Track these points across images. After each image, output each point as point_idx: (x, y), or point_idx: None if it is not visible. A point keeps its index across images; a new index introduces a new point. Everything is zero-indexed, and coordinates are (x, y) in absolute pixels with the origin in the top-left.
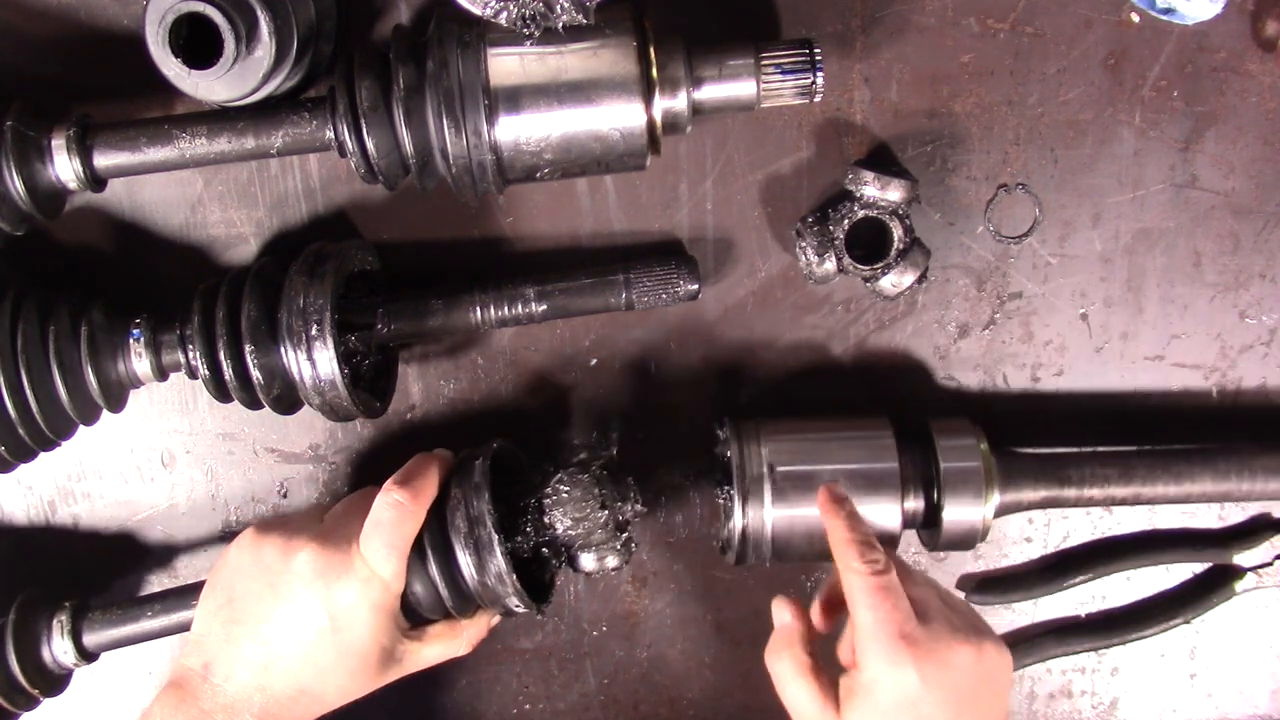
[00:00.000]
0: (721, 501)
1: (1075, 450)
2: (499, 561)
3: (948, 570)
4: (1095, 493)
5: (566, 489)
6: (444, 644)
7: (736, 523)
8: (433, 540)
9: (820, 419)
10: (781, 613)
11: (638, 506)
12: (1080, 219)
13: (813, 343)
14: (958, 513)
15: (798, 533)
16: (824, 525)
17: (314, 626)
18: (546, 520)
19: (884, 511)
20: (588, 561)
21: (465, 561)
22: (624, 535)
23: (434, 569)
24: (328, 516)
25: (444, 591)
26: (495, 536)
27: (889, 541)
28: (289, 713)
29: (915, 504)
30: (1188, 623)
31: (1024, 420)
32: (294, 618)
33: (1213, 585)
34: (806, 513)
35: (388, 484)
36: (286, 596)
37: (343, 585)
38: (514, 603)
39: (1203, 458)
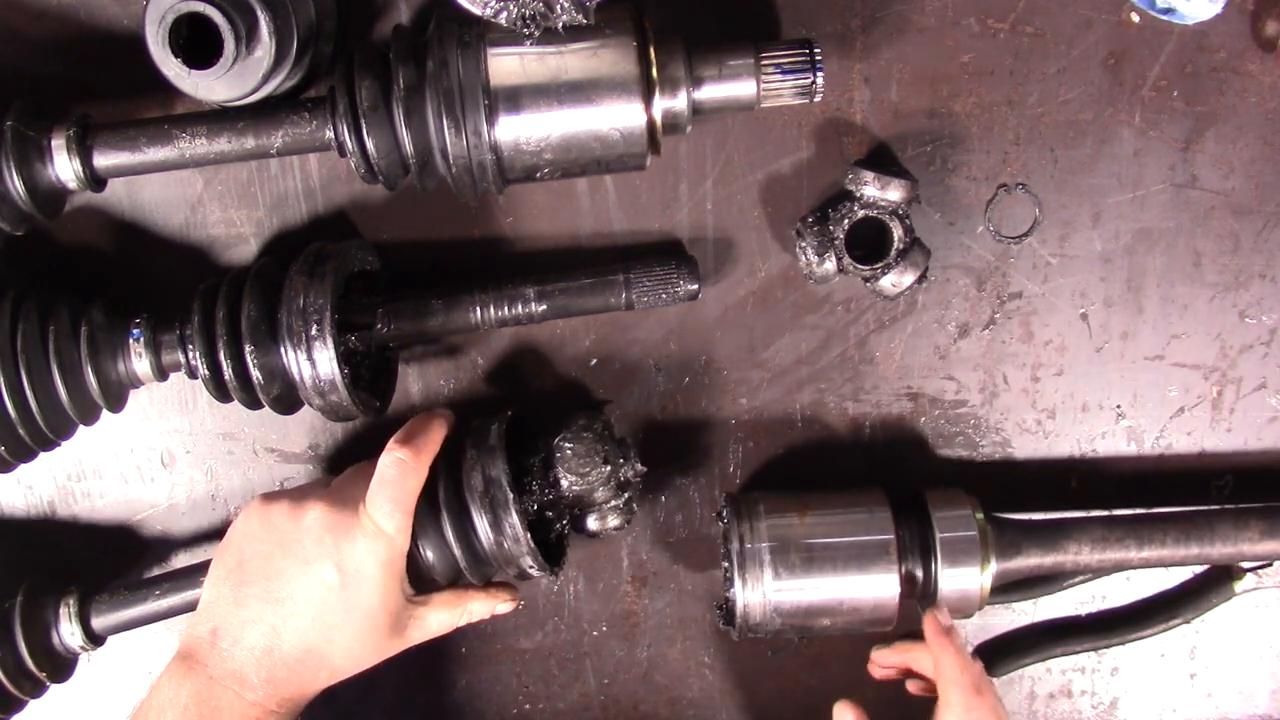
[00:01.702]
0: (724, 578)
1: (1072, 516)
2: (514, 520)
3: None
4: (1093, 559)
5: (570, 446)
6: (447, 612)
7: (738, 602)
8: (447, 501)
9: (818, 492)
10: (844, 715)
11: (638, 466)
12: (1080, 219)
13: (812, 344)
14: (955, 583)
15: (799, 610)
16: (932, 652)
17: (323, 583)
18: (551, 478)
19: (882, 583)
20: (592, 522)
21: (481, 522)
22: (625, 495)
23: (448, 530)
24: (334, 482)
25: (458, 552)
26: (510, 496)
27: (887, 620)
28: (296, 676)
29: (913, 574)
30: (1188, 623)
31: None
32: (304, 574)
33: (1213, 585)
34: (807, 590)
35: (390, 443)
36: (296, 554)
37: (351, 542)
38: (528, 563)
39: (1201, 521)
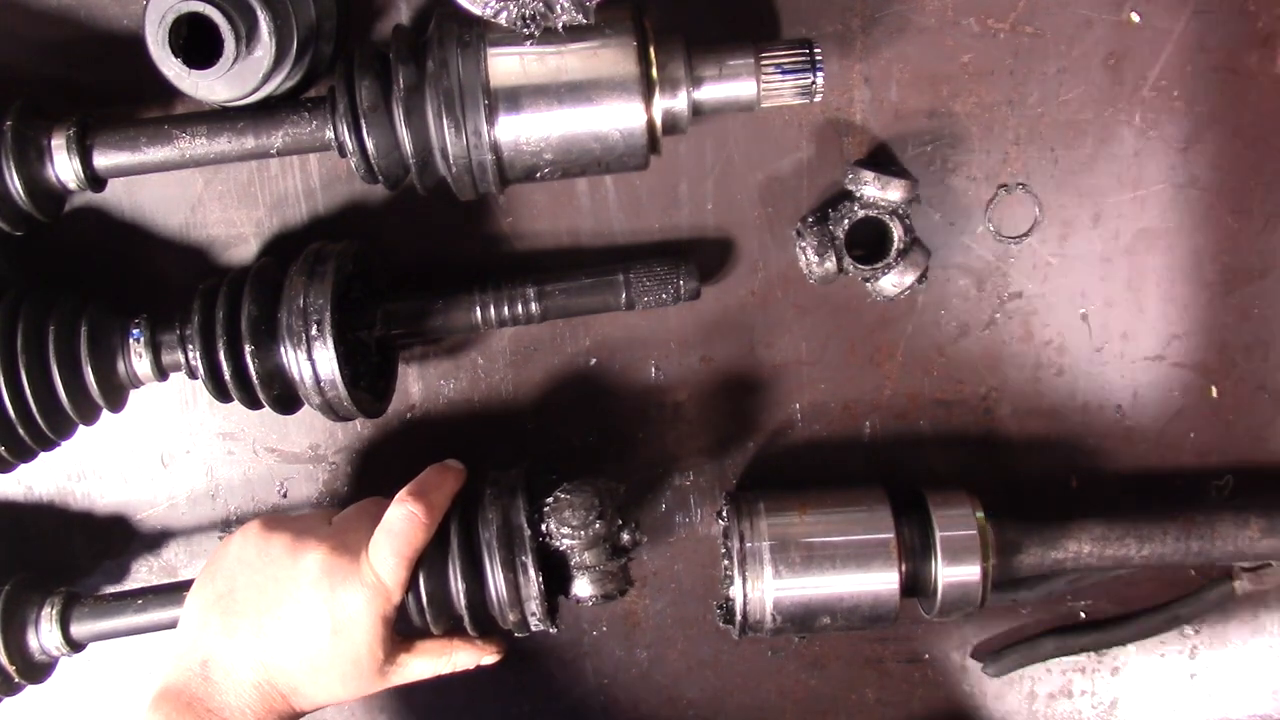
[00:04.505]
0: (724, 576)
1: (1072, 516)
2: (528, 559)
3: None
4: (1093, 557)
5: (567, 496)
6: (431, 660)
7: (738, 599)
8: (460, 543)
9: (818, 491)
10: None
11: (638, 535)
12: (1080, 219)
13: (813, 344)
14: (955, 581)
15: (799, 608)
16: None
17: (316, 627)
18: (545, 529)
19: (882, 581)
20: (582, 587)
21: (494, 560)
22: (620, 561)
23: (454, 574)
24: (336, 520)
25: (461, 598)
26: (529, 533)
27: (887, 619)
28: (283, 708)
29: (913, 573)
30: (1188, 623)
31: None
32: (297, 617)
33: (1213, 585)
34: (807, 588)
35: (403, 494)
36: (292, 594)
37: (349, 590)
38: (533, 608)
39: (1201, 520)
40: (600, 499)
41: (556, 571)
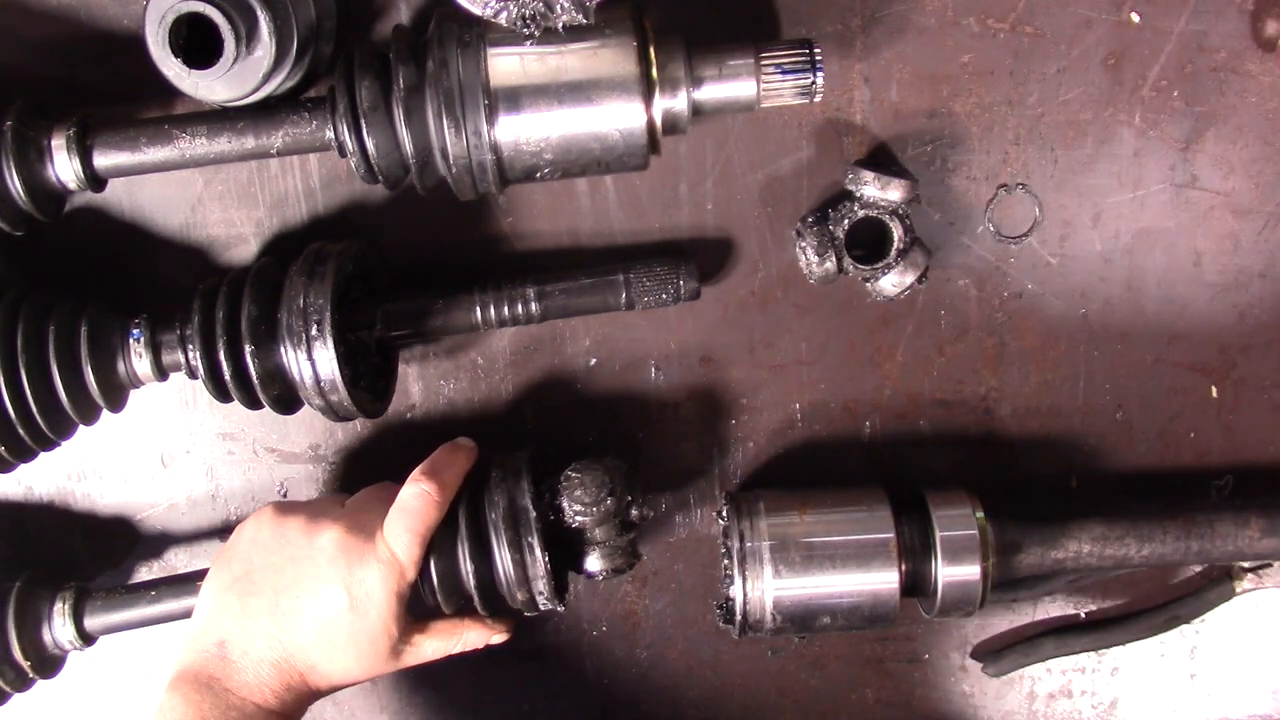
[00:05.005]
0: (724, 575)
1: (1072, 515)
2: (534, 540)
3: None
4: (1093, 557)
5: (578, 475)
6: (443, 640)
7: (738, 599)
8: (468, 524)
9: (818, 490)
10: None
11: (646, 510)
12: (1080, 219)
13: (813, 344)
14: (955, 581)
15: (799, 608)
16: None
17: (333, 605)
18: (556, 504)
19: (882, 581)
20: (593, 562)
21: (501, 541)
22: (630, 535)
23: (464, 554)
24: (349, 503)
25: (470, 578)
26: (534, 514)
27: (887, 619)
28: (301, 687)
29: (913, 573)
30: (1188, 623)
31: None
32: (314, 594)
33: (1213, 585)
34: (807, 588)
35: (416, 473)
36: (308, 573)
37: (365, 567)
38: (541, 587)
39: (1201, 520)
40: (610, 476)
41: (566, 548)
